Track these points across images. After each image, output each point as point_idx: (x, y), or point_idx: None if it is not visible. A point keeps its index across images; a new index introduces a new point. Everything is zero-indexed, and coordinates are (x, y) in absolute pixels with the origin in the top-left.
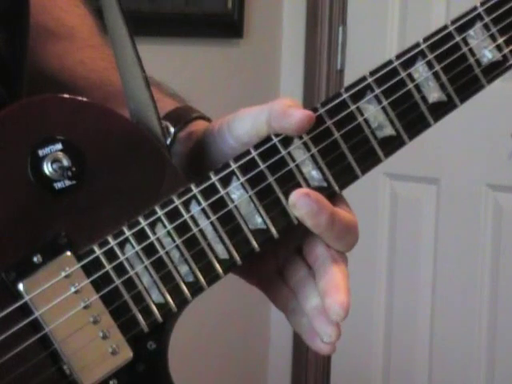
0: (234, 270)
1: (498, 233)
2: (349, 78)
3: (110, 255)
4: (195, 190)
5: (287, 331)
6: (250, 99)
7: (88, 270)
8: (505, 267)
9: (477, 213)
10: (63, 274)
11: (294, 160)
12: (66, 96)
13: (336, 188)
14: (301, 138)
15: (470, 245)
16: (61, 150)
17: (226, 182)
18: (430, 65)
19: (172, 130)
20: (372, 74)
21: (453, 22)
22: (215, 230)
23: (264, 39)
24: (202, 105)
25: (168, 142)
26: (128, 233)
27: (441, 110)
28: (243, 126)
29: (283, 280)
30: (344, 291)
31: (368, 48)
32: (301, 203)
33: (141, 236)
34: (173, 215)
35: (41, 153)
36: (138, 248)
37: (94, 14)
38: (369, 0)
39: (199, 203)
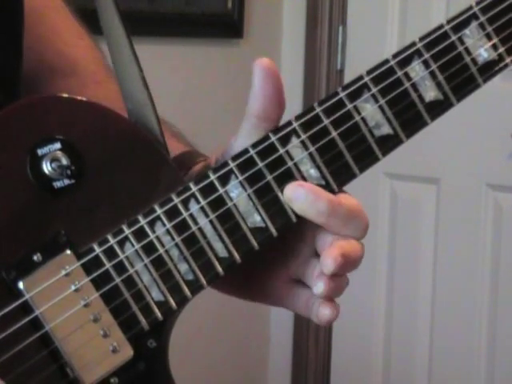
0: (234, 270)
1: (498, 233)
2: (349, 78)
3: (110, 253)
4: (194, 189)
5: (287, 331)
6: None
7: (88, 268)
8: (505, 267)
9: (477, 213)
10: (63, 272)
11: (292, 158)
12: (65, 95)
13: (334, 186)
14: (299, 136)
15: (470, 245)
16: (60, 150)
17: (224, 180)
18: (426, 64)
19: None
20: (369, 73)
21: (448, 22)
22: (214, 228)
23: (264, 39)
24: (202, 105)
25: None
26: (127, 231)
27: (437, 108)
28: (236, 148)
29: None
30: (336, 247)
31: (368, 48)
32: (296, 195)
33: (140, 234)
34: (172, 213)
35: (40, 152)
36: (137, 246)
37: (98, 45)
38: (369, 0)
39: (198, 201)
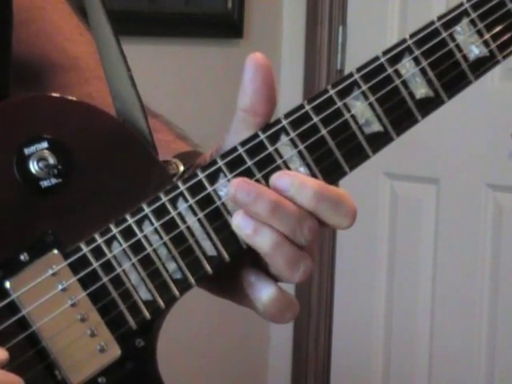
0: (222, 268)
1: (497, 233)
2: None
3: (97, 253)
4: (182, 187)
5: (287, 331)
6: None
7: (75, 267)
8: (505, 267)
9: (477, 213)
10: (50, 271)
11: (281, 156)
12: (54, 95)
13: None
14: (288, 134)
15: (469, 245)
16: (47, 149)
17: (213, 178)
18: (416, 61)
19: (181, 167)
20: (359, 70)
21: (439, 18)
22: (203, 226)
23: (264, 39)
24: (201, 105)
25: (176, 178)
26: (115, 230)
27: (428, 105)
28: (228, 145)
29: None
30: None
31: (368, 48)
32: (282, 182)
33: (128, 233)
34: (160, 212)
35: (26, 151)
36: (125, 245)
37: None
38: (369, 0)
39: (186, 200)
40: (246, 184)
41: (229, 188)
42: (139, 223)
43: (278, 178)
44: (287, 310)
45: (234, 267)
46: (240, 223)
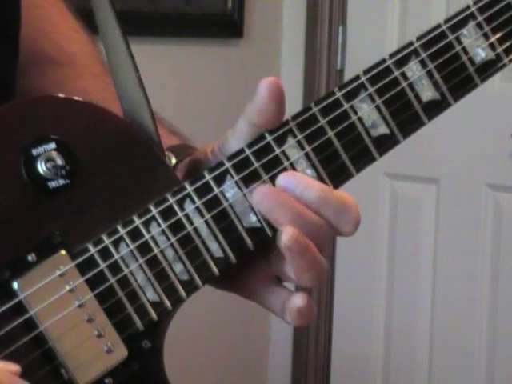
0: (228, 269)
1: (497, 233)
2: (348, 78)
3: (105, 254)
4: (189, 189)
5: (287, 331)
6: (250, 99)
7: (82, 268)
8: (505, 267)
9: (477, 213)
10: (58, 272)
11: (288, 158)
12: (60, 95)
13: (330, 186)
14: (295, 136)
15: (470, 245)
16: (54, 149)
17: (220, 180)
18: (423, 63)
19: (174, 160)
20: (365, 72)
21: (446, 21)
22: (209, 228)
23: (264, 39)
24: (201, 105)
25: None
26: (122, 231)
27: (435, 108)
28: (232, 145)
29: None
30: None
31: (368, 48)
32: (288, 183)
33: (135, 234)
34: (167, 214)
35: (34, 152)
36: (132, 246)
37: (94, 40)
38: (369, 0)
39: (193, 202)
40: (274, 192)
41: (236, 190)
42: (146, 224)
43: (284, 179)
44: (310, 313)
45: (240, 267)
46: (291, 243)
